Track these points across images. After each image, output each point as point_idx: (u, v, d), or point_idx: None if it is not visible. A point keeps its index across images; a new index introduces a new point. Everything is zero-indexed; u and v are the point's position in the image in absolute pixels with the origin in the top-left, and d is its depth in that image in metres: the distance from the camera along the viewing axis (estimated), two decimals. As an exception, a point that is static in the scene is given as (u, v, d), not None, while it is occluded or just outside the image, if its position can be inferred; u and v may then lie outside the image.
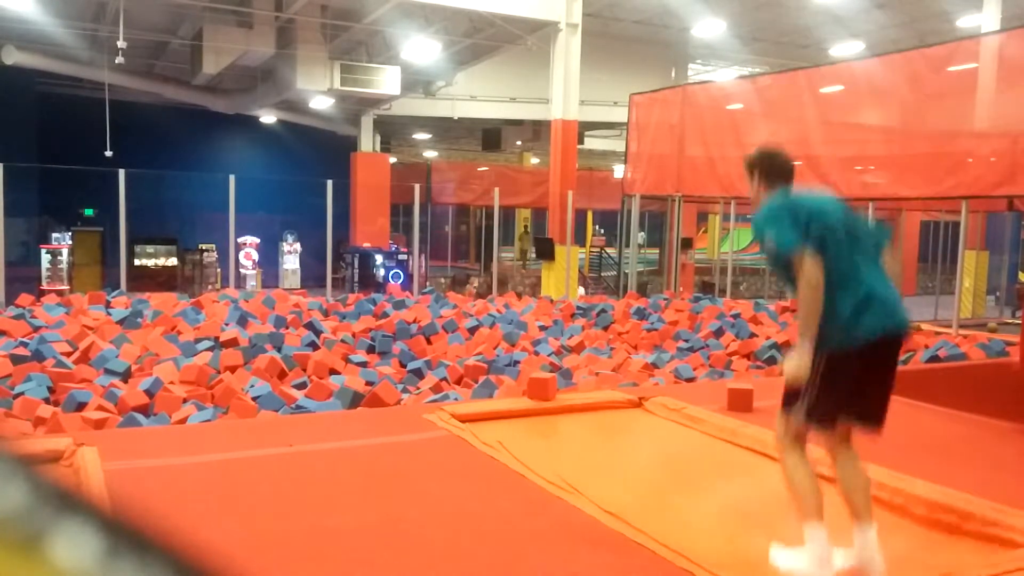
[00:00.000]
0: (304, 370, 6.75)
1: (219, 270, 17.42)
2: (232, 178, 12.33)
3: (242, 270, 17.02)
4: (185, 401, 5.68)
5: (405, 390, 6.30)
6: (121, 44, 12.00)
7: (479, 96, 18.42)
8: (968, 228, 10.65)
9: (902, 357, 8.05)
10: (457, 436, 4.10)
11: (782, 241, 2.75)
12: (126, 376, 6.34)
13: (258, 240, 18.10)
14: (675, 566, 2.66)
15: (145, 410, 5.48)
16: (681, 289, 13.80)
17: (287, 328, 8.02)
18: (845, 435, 2.83)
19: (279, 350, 7.17)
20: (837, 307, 2.75)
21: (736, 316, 9.64)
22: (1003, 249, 16.97)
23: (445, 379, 6.69)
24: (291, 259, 18.72)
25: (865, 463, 2.81)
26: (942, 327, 10.15)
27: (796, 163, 3.16)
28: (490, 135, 20.71)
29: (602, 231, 26.68)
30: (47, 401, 5.64)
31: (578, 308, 10.24)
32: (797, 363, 2.74)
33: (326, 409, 5.37)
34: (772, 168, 3.03)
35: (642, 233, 18.11)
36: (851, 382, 2.76)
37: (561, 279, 13.54)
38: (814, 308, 2.74)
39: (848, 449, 2.82)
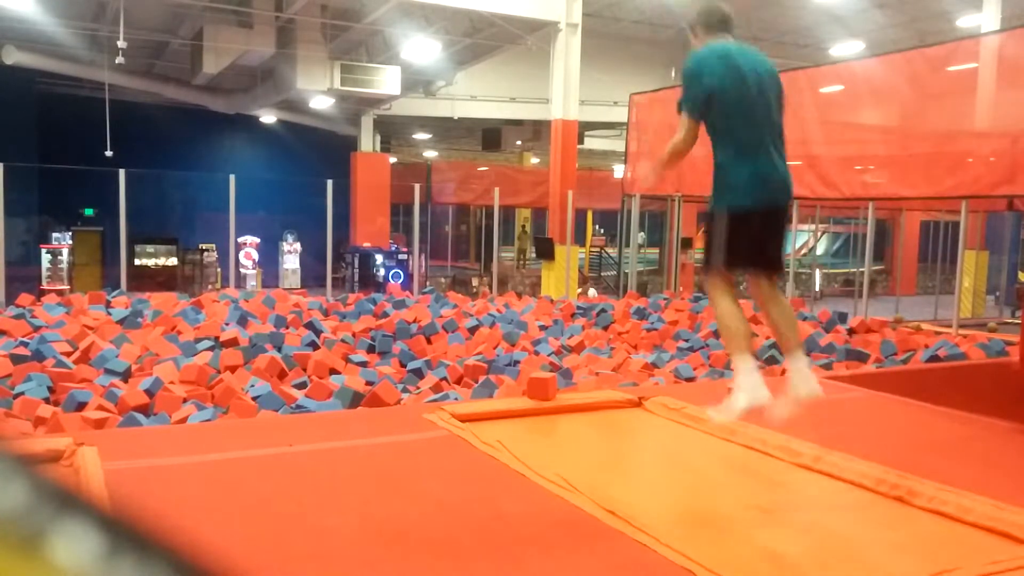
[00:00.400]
0: (304, 370, 6.75)
1: (219, 270, 17.43)
2: (232, 178, 12.33)
3: (242, 270, 17.03)
4: (185, 401, 5.68)
5: (405, 390, 6.30)
6: (121, 44, 12.00)
7: (479, 96, 18.42)
8: (968, 228, 10.65)
9: (901, 356, 8.06)
10: (457, 436, 4.10)
11: (681, 100, 3.19)
12: (126, 376, 6.34)
13: (258, 240, 18.11)
14: (676, 565, 2.66)
15: (145, 410, 5.48)
16: (681, 289, 13.80)
17: (287, 328, 8.02)
18: (767, 284, 3.26)
19: (279, 350, 7.17)
20: (736, 167, 3.16)
21: (736, 316, 9.63)
22: (1003, 249, 16.98)
23: (445, 379, 6.69)
24: (291, 259, 18.72)
25: (785, 300, 3.31)
26: (942, 327, 10.15)
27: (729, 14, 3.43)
28: (490, 135, 20.70)
29: (602, 231, 26.69)
30: (47, 401, 5.64)
31: (578, 308, 10.24)
32: (645, 170, 3.34)
33: (326, 409, 5.36)
34: (706, 21, 3.34)
35: (642, 233, 18.11)
36: (749, 238, 3.16)
37: (561, 279, 13.54)
38: (675, 155, 3.25)
39: (772, 289, 3.24)
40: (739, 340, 3.11)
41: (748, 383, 3.03)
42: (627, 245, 15.04)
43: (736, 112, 3.14)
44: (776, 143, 3.25)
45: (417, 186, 14.24)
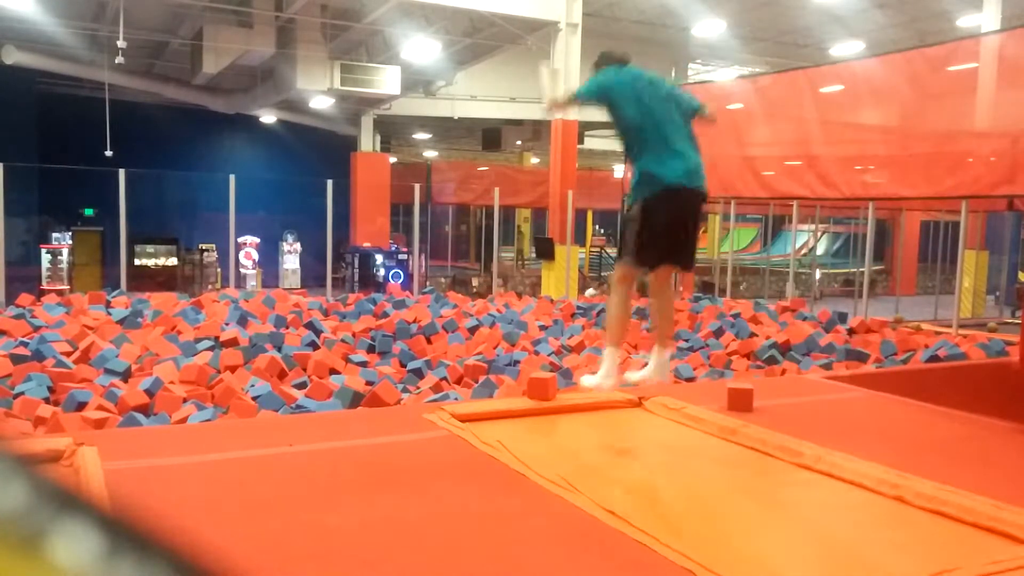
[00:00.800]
0: (304, 370, 6.75)
1: (219, 270, 17.43)
2: (232, 178, 12.33)
3: (242, 270, 17.03)
4: (185, 401, 5.68)
5: (405, 390, 6.30)
6: (121, 44, 12.00)
7: (479, 96, 18.42)
8: (968, 228, 10.65)
9: (901, 356, 8.06)
10: (457, 436, 4.11)
11: (580, 90, 3.82)
12: (126, 376, 6.34)
13: (258, 240, 18.10)
14: (676, 565, 2.66)
15: (145, 410, 5.48)
16: (681, 289, 13.80)
17: (287, 328, 8.02)
18: (665, 277, 3.73)
19: (279, 350, 7.17)
20: (646, 165, 3.58)
21: (736, 316, 9.65)
22: (1003, 249, 16.98)
23: (445, 379, 6.69)
24: (291, 259, 18.72)
25: (673, 299, 3.85)
26: (942, 327, 10.15)
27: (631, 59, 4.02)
28: (490, 135, 20.70)
29: (602, 231, 26.69)
30: (47, 401, 5.64)
31: (578, 308, 10.24)
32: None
33: (326, 409, 5.36)
34: (608, 60, 3.91)
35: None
36: (664, 227, 3.58)
37: (561, 279, 13.54)
38: (554, 102, 4.04)
39: (666, 289, 3.73)
40: (617, 334, 3.74)
41: (608, 369, 3.72)
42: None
43: (648, 114, 3.59)
44: (686, 142, 3.63)
45: (417, 186, 14.24)
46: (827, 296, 19.40)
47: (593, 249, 22.76)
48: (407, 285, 15.25)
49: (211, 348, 7.17)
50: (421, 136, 25.54)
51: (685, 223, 3.65)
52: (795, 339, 8.47)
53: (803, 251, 23.79)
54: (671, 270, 3.72)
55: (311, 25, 13.83)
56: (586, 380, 3.76)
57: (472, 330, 8.63)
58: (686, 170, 3.54)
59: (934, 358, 7.71)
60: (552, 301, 10.92)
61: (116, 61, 12.49)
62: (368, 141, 19.57)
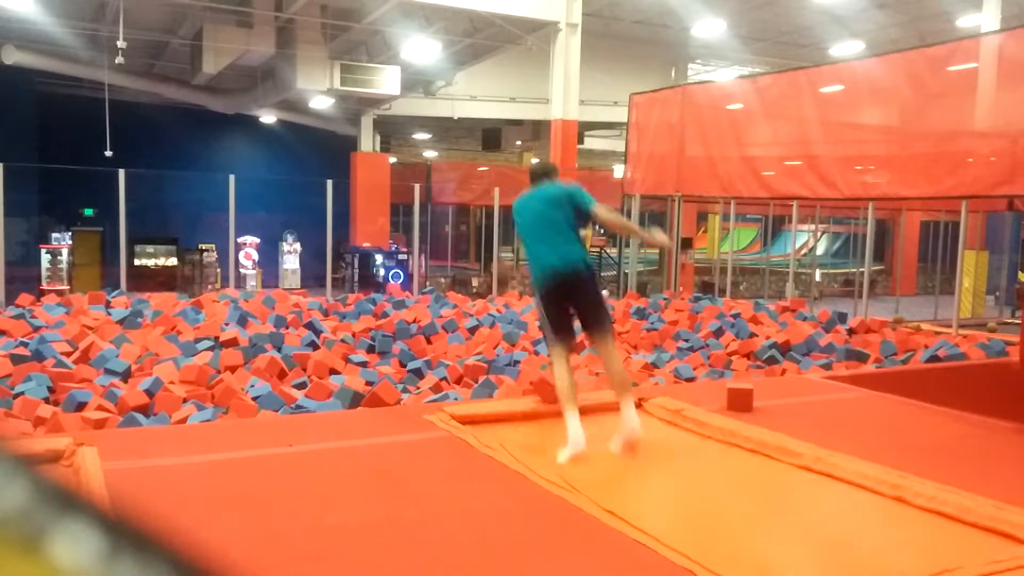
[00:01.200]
0: (304, 370, 6.74)
1: (219, 270, 17.42)
2: (232, 178, 12.33)
3: (242, 270, 17.02)
4: (185, 401, 5.68)
5: (405, 390, 6.30)
6: (121, 44, 12.00)
7: (479, 96, 18.42)
8: (968, 228, 10.65)
9: (901, 356, 8.05)
10: (457, 436, 4.11)
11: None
12: (126, 376, 6.34)
13: (258, 240, 18.09)
14: (675, 565, 2.66)
15: (145, 410, 5.48)
16: (681, 289, 13.80)
17: (287, 328, 8.01)
18: (593, 339, 4.26)
19: (279, 350, 7.17)
20: (534, 269, 4.30)
21: (736, 316, 9.64)
22: (1003, 249, 16.99)
23: (445, 379, 6.69)
24: (291, 259, 18.71)
25: (621, 360, 4.26)
26: (942, 327, 10.16)
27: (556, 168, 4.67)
28: (490, 135, 20.69)
29: (602, 231, 26.64)
30: (47, 401, 5.64)
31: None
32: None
33: (326, 409, 5.36)
34: (532, 174, 4.58)
35: (642, 233, 18.03)
36: (552, 316, 4.26)
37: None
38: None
39: (604, 348, 4.18)
40: (568, 399, 3.99)
41: (573, 436, 3.89)
42: (627, 245, 15.03)
43: (527, 230, 4.31)
44: (559, 239, 4.20)
45: (417, 186, 14.25)
46: (827, 296, 19.41)
47: (593, 249, 22.69)
48: (407, 285, 15.25)
49: (211, 348, 7.16)
50: (421, 136, 25.54)
51: (582, 300, 4.25)
52: (795, 339, 8.47)
53: (803, 251, 23.79)
54: (591, 336, 4.25)
55: (311, 25, 13.83)
56: (561, 456, 3.93)
57: (472, 330, 8.63)
58: (561, 263, 4.16)
59: (934, 358, 7.70)
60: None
61: (116, 61, 12.48)
62: (368, 141, 19.57)
